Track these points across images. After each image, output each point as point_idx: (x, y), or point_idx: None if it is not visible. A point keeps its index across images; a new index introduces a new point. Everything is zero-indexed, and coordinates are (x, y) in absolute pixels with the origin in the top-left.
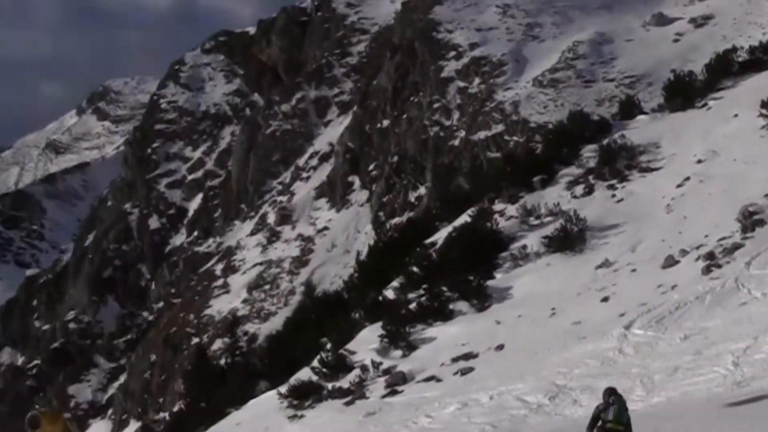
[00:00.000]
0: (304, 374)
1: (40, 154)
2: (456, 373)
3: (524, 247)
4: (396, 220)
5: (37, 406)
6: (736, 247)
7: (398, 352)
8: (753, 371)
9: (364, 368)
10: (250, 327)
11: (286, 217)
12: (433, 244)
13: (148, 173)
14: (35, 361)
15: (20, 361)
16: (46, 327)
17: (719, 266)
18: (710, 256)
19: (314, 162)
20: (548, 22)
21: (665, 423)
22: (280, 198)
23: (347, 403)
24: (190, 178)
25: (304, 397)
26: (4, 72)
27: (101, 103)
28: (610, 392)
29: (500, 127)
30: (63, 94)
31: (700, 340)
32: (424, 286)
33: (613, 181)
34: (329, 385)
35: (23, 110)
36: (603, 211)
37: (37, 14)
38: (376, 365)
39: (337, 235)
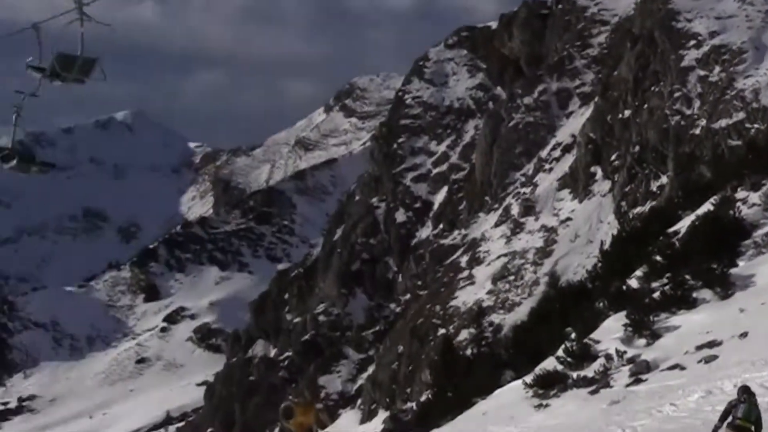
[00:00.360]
0: (549, 364)
1: (290, 151)
2: (700, 361)
3: (767, 234)
4: (638, 209)
5: (290, 397)
6: None
7: (642, 341)
8: None
9: (608, 357)
10: (495, 318)
11: (529, 208)
12: (676, 233)
13: (394, 168)
14: (287, 353)
15: (273, 353)
16: (297, 320)
17: None
18: None
19: (557, 153)
20: None
21: None
22: (523, 190)
23: (592, 392)
24: (435, 171)
25: (549, 386)
26: (255, 72)
27: (348, 100)
28: (744, 390)
29: (741, 115)
30: (311, 92)
31: None
32: (668, 274)
33: None
34: (574, 375)
35: (273, 109)
36: None
37: (287, 16)
38: (620, 354)
39: (579, 226)
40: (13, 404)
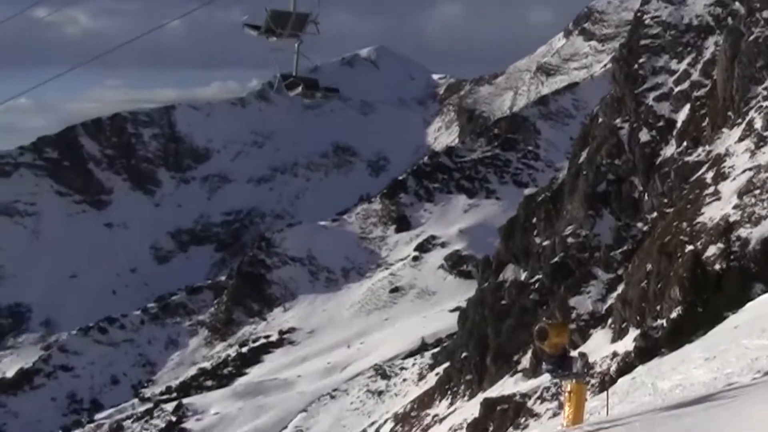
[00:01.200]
0: None
1: (532, 77)
2: None
3: None
4: None
5: (543, 319)
6: None
7: None
8: None
9: None
10: (743, 232)
11: None
12: None
13: (636, 88)
14: (537, 276)
15: (523, 276)
16: (546, 243)
17: None
18: None
19: None
20: None
21: None
22: (765, 103)
23: None
24: (676, 89)
25: None
26: (494, 3)
27: (587, 24)
28: None
29: None
30: (550, 17)
31: None
32: None
33: None
34: None
35: (514, 37)
36: None
37: None
38: None
39: None
40: (274, 337)
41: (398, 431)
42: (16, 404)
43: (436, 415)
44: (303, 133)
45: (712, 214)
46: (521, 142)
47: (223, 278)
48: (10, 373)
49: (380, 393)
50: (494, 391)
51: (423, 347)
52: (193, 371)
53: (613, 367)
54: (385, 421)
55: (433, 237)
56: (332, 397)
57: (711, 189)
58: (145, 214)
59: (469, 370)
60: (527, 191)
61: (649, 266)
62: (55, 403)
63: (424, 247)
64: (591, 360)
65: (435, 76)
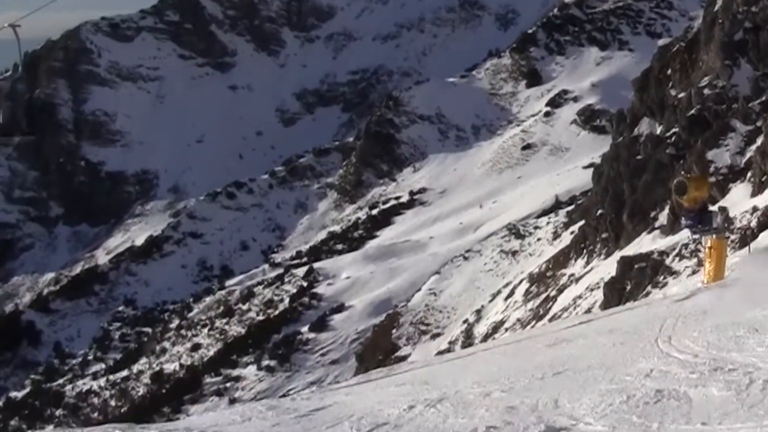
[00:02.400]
0: None
1: None
2: None
3: None
4: None
5: (682, 173)
6: None
7: None
8: None
9: None
10: None
11: None
12: None
13: None
14: (673, 129)
15: (658, 130)
16: (681, 95)
17: None
18: None
19: None
20: None
21: None
22: None
23: None
24: None
25: None
26: None
27: None
28: None
29: None
30: None
31: None
32: None
33: None
34: None
35: None
36: None
37: None
38: None
39: None
40: (404, 198)
41: (533, 291)
42: (147, 272)
43: (572, 275)
44: None
45: None
46: None
47: (350, 139)
48: (139, 241)
49: (514, 253)
50: (631, 249)
51: (557, 205)
52: (323, 235)
53: (754, 222)
54: (520, 282)
55: (565, 91)
56: (465, 258)
57: None
58: (269, 76)
59: (604, 228)
60: (661, 42)
61: None
62: (185, 270)
63: (555, 102)
64: (731, 215)
65: None
